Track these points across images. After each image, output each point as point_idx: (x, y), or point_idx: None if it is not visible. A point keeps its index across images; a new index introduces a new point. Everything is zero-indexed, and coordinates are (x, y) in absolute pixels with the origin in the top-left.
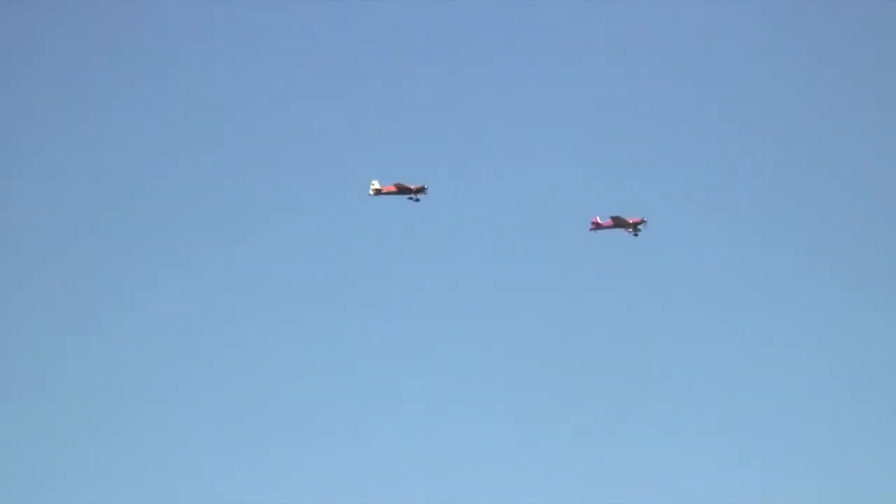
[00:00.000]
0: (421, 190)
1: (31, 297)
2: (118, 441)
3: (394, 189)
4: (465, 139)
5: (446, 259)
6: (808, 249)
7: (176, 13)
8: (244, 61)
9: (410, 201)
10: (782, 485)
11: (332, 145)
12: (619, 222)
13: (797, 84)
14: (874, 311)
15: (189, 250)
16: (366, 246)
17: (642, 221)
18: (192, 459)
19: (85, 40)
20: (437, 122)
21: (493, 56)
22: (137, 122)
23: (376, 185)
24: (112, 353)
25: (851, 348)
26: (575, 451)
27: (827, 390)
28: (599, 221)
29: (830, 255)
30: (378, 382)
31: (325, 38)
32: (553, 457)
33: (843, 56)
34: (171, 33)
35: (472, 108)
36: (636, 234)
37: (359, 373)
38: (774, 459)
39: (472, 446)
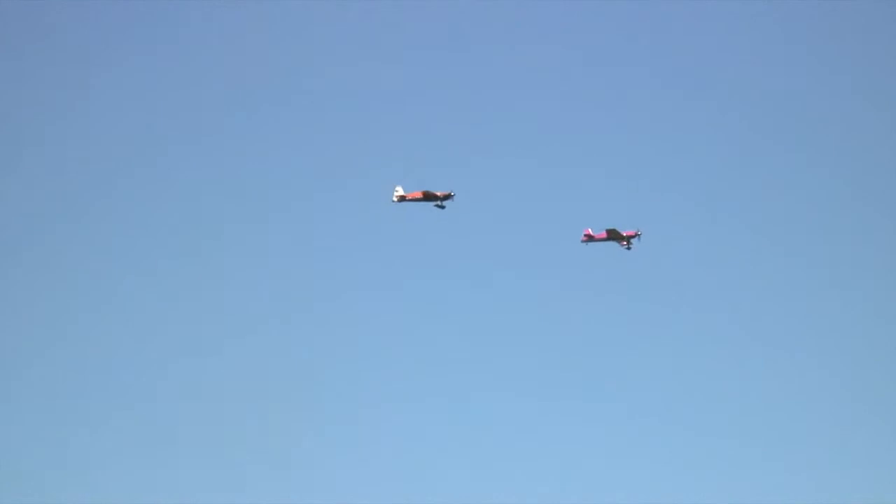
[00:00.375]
0: (448, 197)
1: (29, 295)
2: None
3: (420, 196)
4: (460, 146)
5: (438, 266)
6: (804, 254)
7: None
8: (262, 61)
9: (436, 208)
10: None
11: (354, 149)
12: (613, 235)
13: (796, 89)
14: (872, 321)
15: (202, 252)
16: (379, 252)
17: (636, 235)
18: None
19: (82, 38)
20: (432, 129)
21: (488, 62)
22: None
23: (400, 191)
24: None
25: (848, 363)
26: (564, 456)
27: (822, 399)
28: (592, 233)
29: (826, 261)
30: (374, 382)
31: (344, 40)
32: (547, 458)
33: (844, 58)
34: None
35: (468, 114)
36: (629, 248)
37: (368, 373)
38: (769, 461)
39: (463, 445)
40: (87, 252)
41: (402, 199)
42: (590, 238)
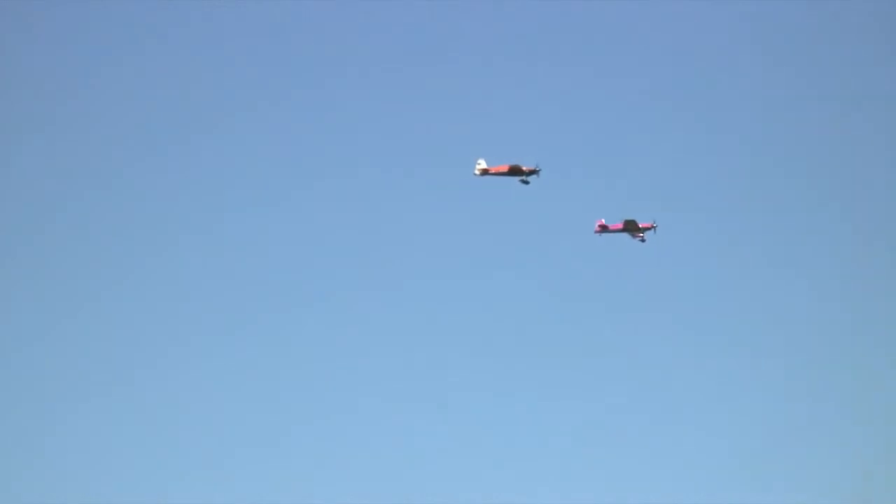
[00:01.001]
0: (534, 172)
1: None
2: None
3: (505, 169)
4: (467, 136)
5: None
6: (809, 253)
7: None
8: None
9: (521, 184)
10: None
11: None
12: (630, 227)
13: (803, 86)
14: (879, 318)
15: (274, 227)
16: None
17: (652, 227)
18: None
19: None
20: (441, 119)
21: (499, 53)
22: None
23: (483, 164)
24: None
25: (854, 356)
26: (574, 451)
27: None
28: (606, 224)
29: (833, 260)
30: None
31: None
32: (552, 455)
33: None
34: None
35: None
36: (643, 240)
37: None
38: (774, 462)
39: (468, 438)
40: (88, 251)
41: (484, 172)
42: (604, 229)
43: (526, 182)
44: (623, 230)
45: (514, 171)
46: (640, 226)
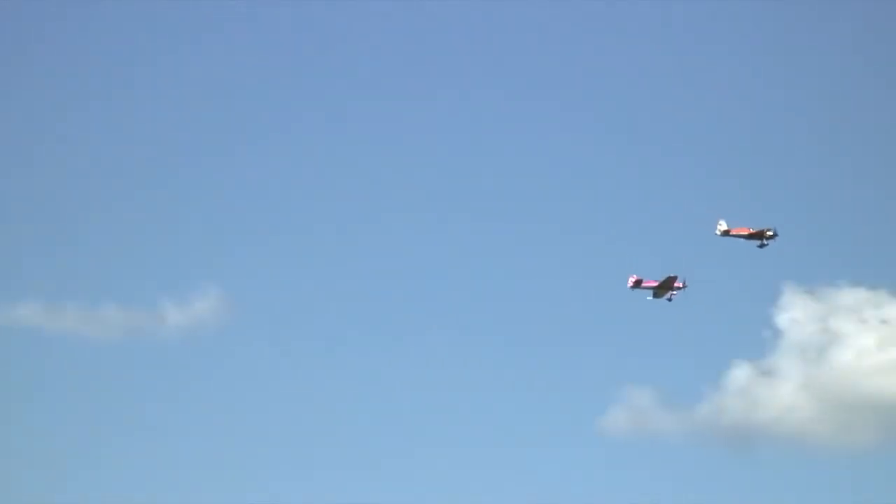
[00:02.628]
0: (773, 236)
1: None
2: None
3: (746, 232)
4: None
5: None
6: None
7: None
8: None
9: (759, 248)
10: None
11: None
12: (666, 285)
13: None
14: None
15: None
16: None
17: (683, 287)
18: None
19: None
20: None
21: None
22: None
23: (724, 225)
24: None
25: None
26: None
27: None
28: (640, 279)
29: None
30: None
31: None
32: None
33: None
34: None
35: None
36: (670, 300)
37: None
38: None
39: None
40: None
41: (726, 233)
42: (637, 284)
43: (764, 245)
44: (657, 288)
45: (757, 234)
46: (675, 284)
